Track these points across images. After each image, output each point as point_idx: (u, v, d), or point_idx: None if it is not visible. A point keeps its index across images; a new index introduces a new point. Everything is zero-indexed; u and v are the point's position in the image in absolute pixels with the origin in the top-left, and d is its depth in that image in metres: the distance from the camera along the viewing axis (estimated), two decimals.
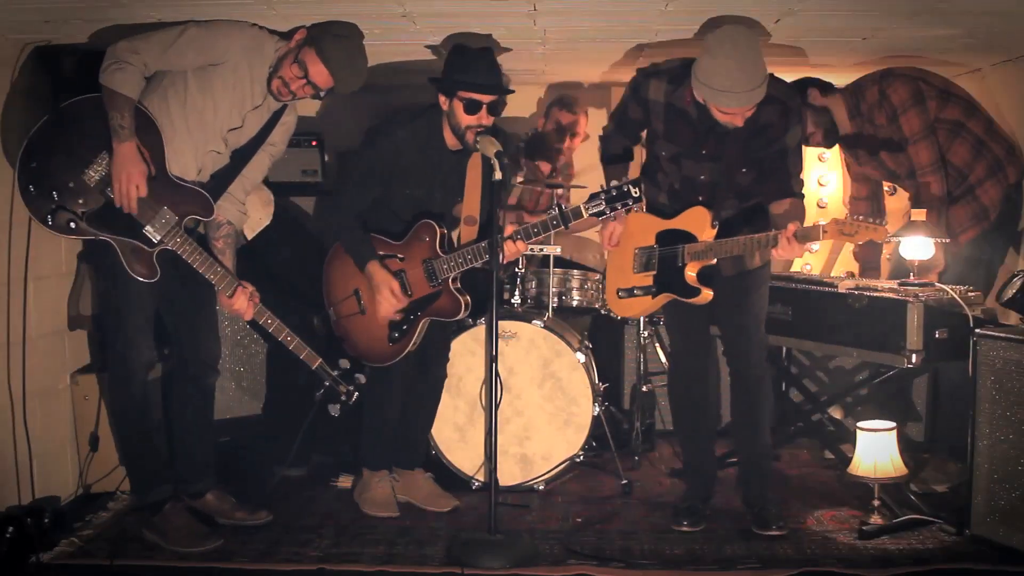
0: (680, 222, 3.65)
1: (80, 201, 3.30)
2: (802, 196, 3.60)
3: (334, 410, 3.59)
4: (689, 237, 3.60)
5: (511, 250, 3.64)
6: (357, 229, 3.74)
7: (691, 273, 3.60)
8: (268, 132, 3.59)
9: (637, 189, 3.48)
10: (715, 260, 3.60)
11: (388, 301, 3.71)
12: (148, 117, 3.34)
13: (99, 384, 4.10)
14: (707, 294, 3.60)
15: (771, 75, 3.48)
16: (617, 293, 3.86)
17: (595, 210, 3.52)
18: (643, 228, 3.75)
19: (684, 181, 3.64)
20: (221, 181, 3.57)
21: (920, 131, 4.10)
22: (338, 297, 3.87)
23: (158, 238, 3.34)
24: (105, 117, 3.25)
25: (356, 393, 3.59)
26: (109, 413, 3.91)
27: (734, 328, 3.76)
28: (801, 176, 3.60)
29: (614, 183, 3.55)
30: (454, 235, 3.91)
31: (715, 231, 3.57)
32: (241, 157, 3.58)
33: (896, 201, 4.92)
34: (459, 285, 3.79)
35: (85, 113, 3.31)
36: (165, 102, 3.38)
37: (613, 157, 3.80)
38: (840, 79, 4.72)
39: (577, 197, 5.19)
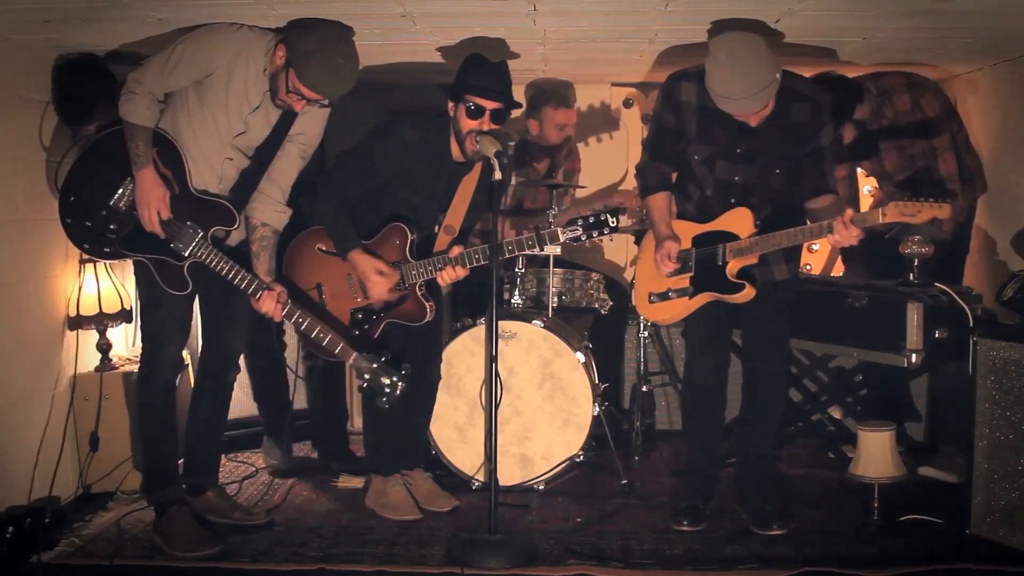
0: (720, 224, 3.62)
1: (112, 226, 3.47)
2: (838, 193, 3.61)
3: (381, 403, 3.57)
4: (730, 237, 3.57)
5: (451, 275, 3.64)
6: (344, 215, 3.72)
7: (734, 271, 3.57)
8: (286, 127, 3.59)
9: (615, 218, 3.51)
10: (756, 258, 3.57)
11: (380, 283, 3.67)
12: (167, 138, 3.45)
13: (100, 384, 4.12)
14: (750, 290, 3.56)
15: (798, 74, 3.52)
16: (649, 298, 3.80)
17: (571, 235, 3.55)
18: (681, 233, 3.69)
19: (717, 185, 3.61)
20: (249, 181, 3.60)
21: (948, 145, 4.24)
22: (297, 288, 3.84)
23: (186, 252, 3.45)
24: (127, 146, 3.40)
25: (401, 384, 3.54)
26: (136, 411, 3.92)
27: (761, 340, 3.74)
28: (835, 174, 3.62)
29: (593, 209, 3.59)
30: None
31: (757, 230, 3.55)
32: (265, 155, 3.60)
33: None
34: (425, 291, 3.76)
35: (111, 144, 3.46)
36: (175, 120, 3.47)
37: (651, 187, 3.75)
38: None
39: (578, 196, 5.22)
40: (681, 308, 3.72)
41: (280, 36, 3.45)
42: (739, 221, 3.57)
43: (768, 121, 3.43)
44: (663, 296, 3.74)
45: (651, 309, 3.83)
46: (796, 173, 3.57)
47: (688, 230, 3.69)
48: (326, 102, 3.49)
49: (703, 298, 3.66)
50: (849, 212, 3.32)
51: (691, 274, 3.67)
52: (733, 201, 3.59)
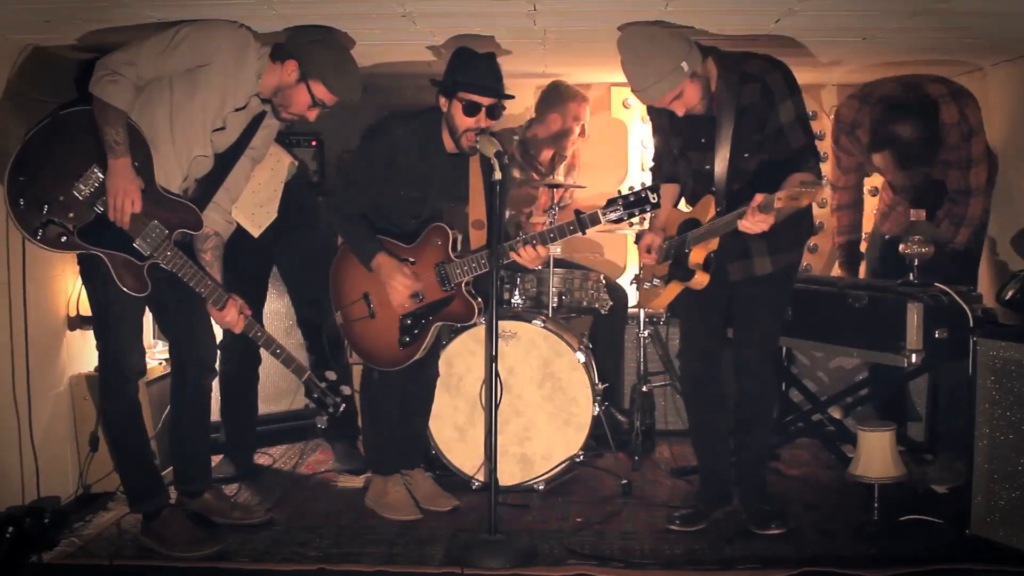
0: (694, 212, 3.67)
1: (71, 215, 3.23)
2: (809, 167, 3.46)
3: (321, 421, 3.66)
4: (698, 224, 3.61)
5: (531, 255, 3.58)
6: (360, 225, 3.72)
7: (695, 259, 3.59)
8: (250, 136, 3.57)
9: (655, 195, 3.44)
10: (716, 244, 3.56)
11: (402, 286, 3.67)
12: (136, 130, 3.28)
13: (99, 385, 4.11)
14: (700, 277, 3.58)
15: (747, 53, 3.51)
16: (642, 284, 3.93)
17: (613, 216, 3.46)
18: (671, 221, 3.78)
19: (696, 174, 3.66)
20: (207, 187, 3.55)
21: (982, 154, 4.17)
22: (346, 300, 3.84)
23: (148, 252, 3.29)
24: (95, 130, 3.20)
25: (343, 405, 3.61)
26: (102, 423, 3.87)
27: (739, 337, 3.76)
28: (808, 150, 3.48)
29: (631, 188, 3.53)
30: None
31: (715, 215, 3.55)
32: (225, 162, 3.56)
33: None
34: (472, 289, 3.77)
35: (75, 126, 3.24)
36: (150, 110, 3.34)
37: (661, 177, 3.84)
38: (837, 78, 4.72)
39: (576, 196, 5.22)
40: (661, 295, 3.79)
41: (269, 46, 3.44)
42: (704, 208, 3.61)
43: (722, 107, 3.44)
44: (650, 283, 3.84)
45: (644, 294, 3.96)
46: (770, 155, 3.52)
47: (677, 217, 3.76)
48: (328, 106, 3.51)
49: (675, 287, 3.71)
50: (758, 198, 3.27)
51: (671, 262, 3.72)
52: (714, 190, 3.59)
